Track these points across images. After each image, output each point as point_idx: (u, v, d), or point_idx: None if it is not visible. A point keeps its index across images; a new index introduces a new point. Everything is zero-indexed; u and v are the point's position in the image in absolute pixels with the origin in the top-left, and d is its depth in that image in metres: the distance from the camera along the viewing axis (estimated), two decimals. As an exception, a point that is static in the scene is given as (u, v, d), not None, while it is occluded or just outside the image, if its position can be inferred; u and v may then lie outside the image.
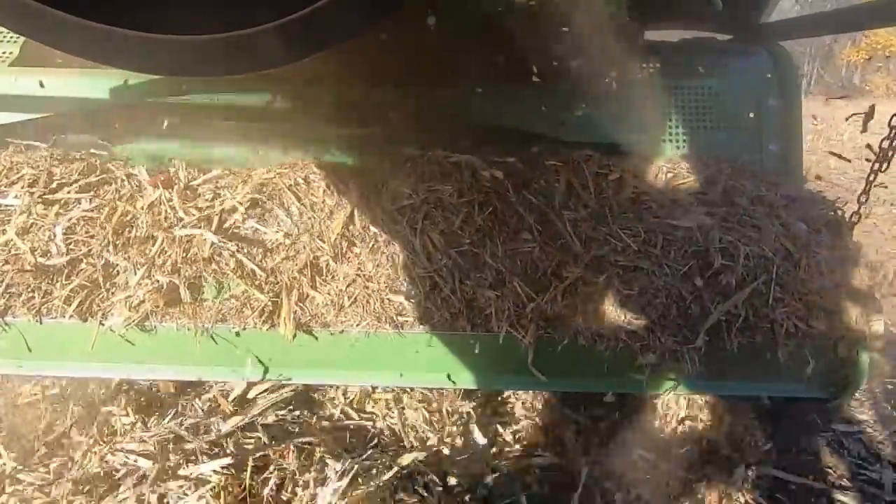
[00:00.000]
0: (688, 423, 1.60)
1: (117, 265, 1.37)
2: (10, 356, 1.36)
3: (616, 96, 1.80)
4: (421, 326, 1.34)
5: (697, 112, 1.78)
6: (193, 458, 1.26)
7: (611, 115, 1.76)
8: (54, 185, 1.50)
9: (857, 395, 1.47)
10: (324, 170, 1.56)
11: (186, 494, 1.17)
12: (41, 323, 1.33)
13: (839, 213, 1.57)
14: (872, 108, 1.60)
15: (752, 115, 1.79)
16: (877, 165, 1.52)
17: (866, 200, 1.54)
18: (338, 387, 1.63)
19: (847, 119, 1.76)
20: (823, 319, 1.36)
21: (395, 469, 1.30)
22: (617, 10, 1.69)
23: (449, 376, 1.40)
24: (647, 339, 1.30)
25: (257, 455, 1.26)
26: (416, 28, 1.59)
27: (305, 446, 1.33)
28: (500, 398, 1.67)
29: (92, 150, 1.66)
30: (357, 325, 1.34)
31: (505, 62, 1.80)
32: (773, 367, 1.37)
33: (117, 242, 1.39)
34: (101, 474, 1.27)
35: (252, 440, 1.33)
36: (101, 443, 1.37)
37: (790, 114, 1.79)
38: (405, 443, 1.49)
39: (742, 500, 1.43)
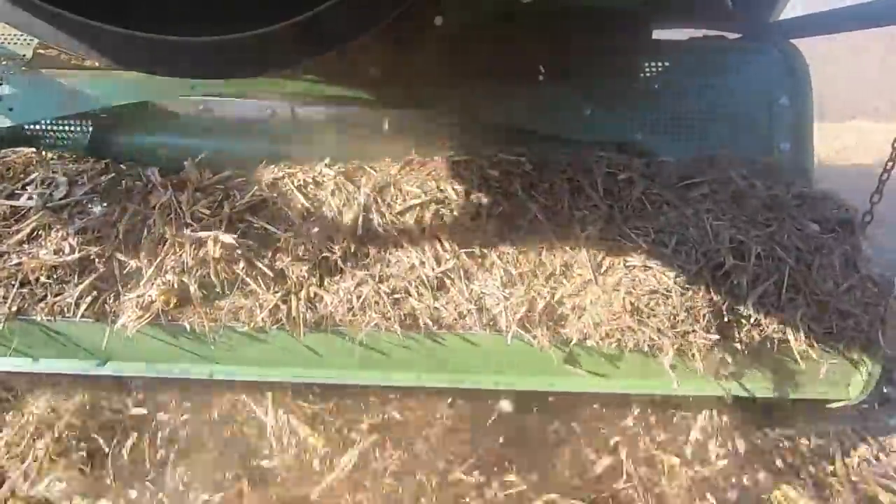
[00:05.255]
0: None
1: (129, 265, 1.38)
2: (25, 354, 1.38)
3: (625, 96, 1.79)
4: (430, 326, 1.34)
5: (708, 111, 1.76)
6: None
7: (620, 115, 1.75)
8: (67, 186, 1.51)
9: (868, 396, 1.45)
10: (332, 170, 1.57)
11: None
12: (55, 321, 1.34)
13: (851, 212, 1.56)
14: None
15: (763, 114, 1.77)
16: (890, 164, 1.51)
17: (879, 200, 1.53)
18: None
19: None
20: (836, 320, 1.35)
21: None
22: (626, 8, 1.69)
23: (458, 377, 1.40)
24: (658, 340, 1.30)
25: None
26: (423, 27, 1.59)
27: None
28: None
29: (105, 151, 1.68)
30: (366, 324, 1.34)
31: (513, 61, 1.80)
32: (784, 368, 1.36)
33: (129, 242, 1.41)
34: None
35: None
36: None
37: (801, 112, 1.78)
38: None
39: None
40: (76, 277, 1.36)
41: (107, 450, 1.55)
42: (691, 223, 1.43)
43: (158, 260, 1.37)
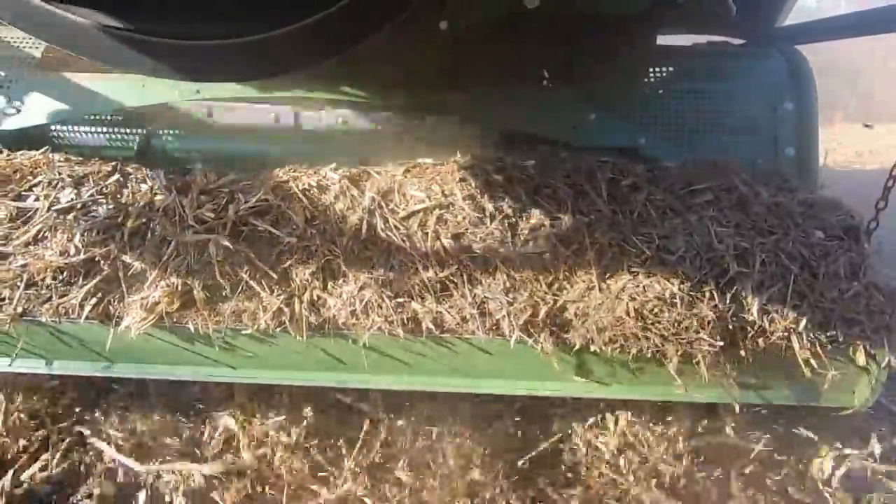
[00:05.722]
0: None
1: (134, 266, 1.38)
2: (33, 355, 1.39)
3: (629, 101, 1.79)
4: (433, 331, 1.34)
5: (712, 117, 1.76)
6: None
7: (624, 120, 1.75)
8: (73, 188, 1.52)
9: (873, 403, 1.45)
10: (337, 174, 1.57)
11: None
12: (60, 322, 1.35)
13: (857, 219, 1.55)
14: None
15: (767, 119, 1.77)
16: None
17: (885, 206, 1.52)
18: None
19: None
20: (841, 327, 1.34)
21: None
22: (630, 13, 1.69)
23: (461, 381, 1.40)
24: (663, 346, 1.29)
25: None
26: (427, 32, 1.59)
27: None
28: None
29: (111, 153, 1.69)
30: (369, 328, 1.34)
31: (518, 66, 1.80)
32: (790, 375, 1.35)
33: (133, 244, 1.41)
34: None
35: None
36: None
37: (806, 118, 1.77)
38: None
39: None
40: (81, 279, 1.37)
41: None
42: (695, 230, 1.43)
43: (162, 262, 1.37)
